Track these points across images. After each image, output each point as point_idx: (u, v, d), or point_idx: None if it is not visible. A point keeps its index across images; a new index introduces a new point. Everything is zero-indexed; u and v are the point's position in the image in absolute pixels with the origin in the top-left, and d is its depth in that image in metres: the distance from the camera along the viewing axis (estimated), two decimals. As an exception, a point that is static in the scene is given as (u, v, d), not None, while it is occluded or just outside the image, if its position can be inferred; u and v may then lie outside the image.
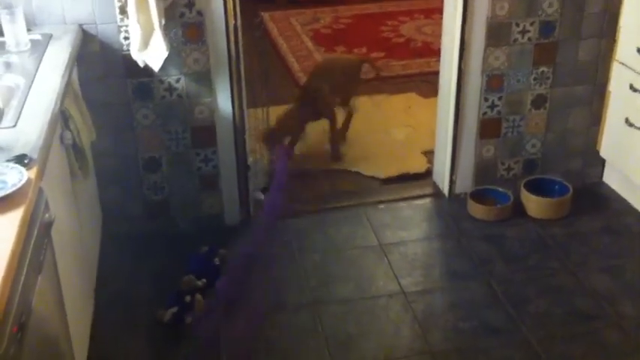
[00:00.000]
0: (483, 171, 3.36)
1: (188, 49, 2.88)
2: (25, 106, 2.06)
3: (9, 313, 1.41)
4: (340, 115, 3.90)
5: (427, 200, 3.44)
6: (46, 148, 1.89)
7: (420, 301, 2.77)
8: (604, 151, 3.35)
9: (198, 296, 2.71)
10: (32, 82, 2.22)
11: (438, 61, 3.38)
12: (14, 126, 1.95)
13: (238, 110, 3.03)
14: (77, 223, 2.46)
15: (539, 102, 3.27)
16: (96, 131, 2.75)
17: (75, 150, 2.42)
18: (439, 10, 3.47)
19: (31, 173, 1.73)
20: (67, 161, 2.37)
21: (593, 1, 3.12)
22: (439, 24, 3.36)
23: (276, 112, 3.72)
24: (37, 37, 2.57)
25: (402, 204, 3.39)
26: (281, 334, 2.64)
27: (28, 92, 2.15)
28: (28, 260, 1.58)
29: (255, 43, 3.50)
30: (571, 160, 3.43)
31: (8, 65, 2.39)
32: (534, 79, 3.22)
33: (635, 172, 3.17)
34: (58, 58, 2.42)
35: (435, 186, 3.51)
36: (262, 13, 5.81)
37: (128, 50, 2.78)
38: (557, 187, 3.31)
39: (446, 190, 3.42)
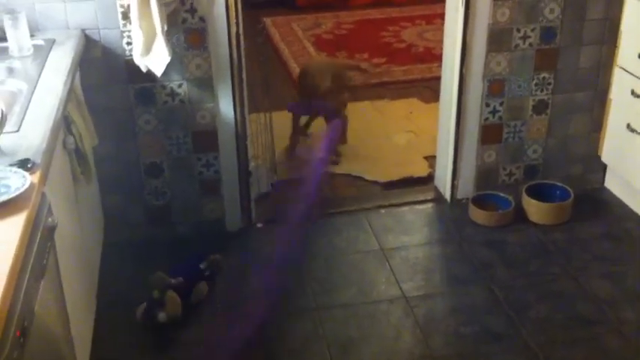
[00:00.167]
0: (485, 176, 3.37)
1: (190, 55, 2.89)
2: (27, 111, 2.07)
3: (12, 317, 1.41)
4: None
5: (429, 205, 3.44)
6: (49, 152, 1.90)
7: (422, 305, 2.77)
8: (605, 156, 3.35)
9: (171, 293, 2.69)
10: (35, 87, 2.23)
11: (440, 66, 3.38)
12: (17, 131, 1.95)
13: (240, 115, 3.04)
14: (79, 228, 2.47)
15: (540, 108, 3.28)
16: (98, 136, 2.75)
17: (77, 155, 2.42)
18: (440, 16, 3.48)
19: (34, 178, 1.73)
20: (69, 166, 2.38)
21: (594, 7, 3.13)
22: (440, 29, 3.37)
23: (278, 117, 3.72)
24: (39, 42, 2.58)
25: (403, 209, 3.39)
26: (282, 338, 2.64)
27: (30, 97, 2.16)
28: (30, 264, 1.59)
29: (257, 48, 3.51)
30: (572, 166, 3.44)
31: (11, 70, 2.40)
32: (535, 84, 3.22)
33: (636, 178, 3.17)
34: (60, 63, 2.43)
35: (436, 191, 3.51)
36: (264, 19, 5.84)
37: (131, 55, 2.79)
38: (558, 192, 3.32)
39: (447, 195, 3.42)
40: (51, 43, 2.59)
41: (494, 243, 3.13)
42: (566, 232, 3.18)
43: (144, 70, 2.76)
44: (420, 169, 3.70)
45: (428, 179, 3.61)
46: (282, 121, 3.96)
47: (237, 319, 2.66)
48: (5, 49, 2.51)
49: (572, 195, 3.27)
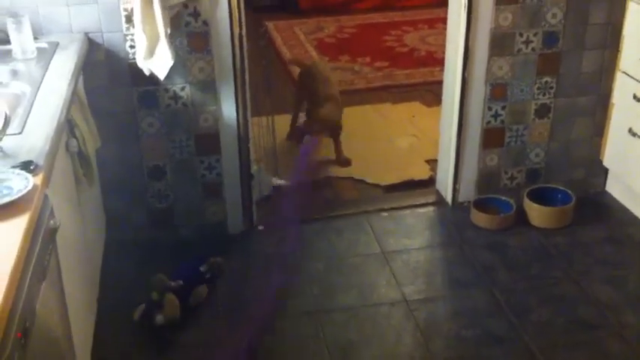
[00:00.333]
0: (486, 180, 3.37)
1: (193, 58, 2.90)
2: (31, 114, 2.08)
3: (13, 318, 1.42)
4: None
5: (430, 208, 3.44)
6: (52, 155, 1.91)
7: (423, 309, 2.78)
8: (607, 160, 3.36)
9: (170, 296, 2.69)
10: (38, 89, 2.24)
11: (442, 70, 3.39)
12: (20, 133, 1.96)
13: (242, 119, 3.05)
14: (81, 230, 2.48)
15: (542, 112, 3.28)
16: (101, 139, 2.76)
17: (80, 157, 2.43)
18: (443, 20, 3.49)
19: (37, 180, 1.74)
20: (72, 168, 2.39)
21: (596, 12, 3.13)
22: (443, 34, 3.38)
23: (280, 120, 3.73)
24: (43, 45, 2.59)
25: (405, 212, 3.40)
26: (283, 341, 2.64)
27: (34, 100, 2.17)
28: (32, 266, 1.59)
29: (259, 52, 3.52)
30: (574, 170, 3.44)
31: (15, 73, 2.41)
32: (538, 88, 3.23)
33: (638, 182, 3.17)
34: (64, 66, 2.44)
35: (438, 194, 3.51)
36: (267, 23, 5.85)
37: (134, 59, 2.80)
38: (560, 196, 3.32)
39: (449, 199, 3.42)
40: (54, 46, 2.60)
41: (496, 246, 3.13)
42: (568, 236, 3.18)
43: (147, 73, 2.77)
44: (422, 173, 3.70)
45: (429, 182, 3.62)
46: (284, 124, 3.98)
47: (237, 322, 2.67)
48: (9, 52, 2.52)
49: (574, 199, 3.27)
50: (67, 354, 1.98)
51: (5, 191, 1.67)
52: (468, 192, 3.38)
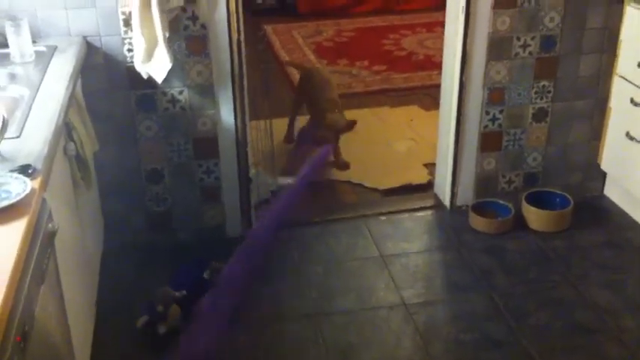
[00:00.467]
0: (484, 184, 3.38)
1: (191, 62, 2.90)
2: (29, 117, 2.07)
3: (12, 322, 1.42)
4: None
5: (428, 212, 3.44)
6: (50, 158, 1.91)
7: (421, 312, 2.78)
8: (605, 164, 3.36)
9: (175, 307, 2.68)
10: (36, 93, 2.24)
11: (440, 74, 3.40)
12: (18, 136, 1.96)
13: (241, 122, 3.05)
14: (80, 234, 2.48)
15: (540, 116, 3.29)
16: (99, 142, 2.76)
17: (78, 161, 2.43)
18: (441, 24, 3.49)
19: (35, 183, 1.74)
20: (70, 172, 2.38)
21: (593, 16, 3.14)
22: (441, 37, 3.38)
23: (278, 124, 3.73)
24: (41, 48, 2.59)
25: (403, 216, 3.40)
26: (282, 345, 2.64)
27: (32, 103, 2.16)
28: (31, 270, 1.59)
29: (257, 55, 3.52)
30: (572, 174, 3.44)
31: (13, 76, 2.41)
32: (535, 92, 3.23)
33: (635, 186, 3.18)
34: (62, 69, 2.44)
35: (436, 198, 3.52)
36: (265, 26, 5.86)
37: (132, 62, 2.80)
38: (558, 200, 3.32)
39: (447, 203, 3.43)
40: (53, 49, 2.60)
41: (494, 250, 3.13)
42: (566, 240, 3.19)
43: (145, 76, 2.77)
44: (420, 177, 3.71)
45: (428, 186, 3.62)
46: (282, 127, 3.98)
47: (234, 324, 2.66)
48: (7, 56, 2.52)
49: (572, 203, 3.27)
50: (66, 357, 1.98)
51: (3, 195, 1.67)
52: (466, 196, 3.38)
